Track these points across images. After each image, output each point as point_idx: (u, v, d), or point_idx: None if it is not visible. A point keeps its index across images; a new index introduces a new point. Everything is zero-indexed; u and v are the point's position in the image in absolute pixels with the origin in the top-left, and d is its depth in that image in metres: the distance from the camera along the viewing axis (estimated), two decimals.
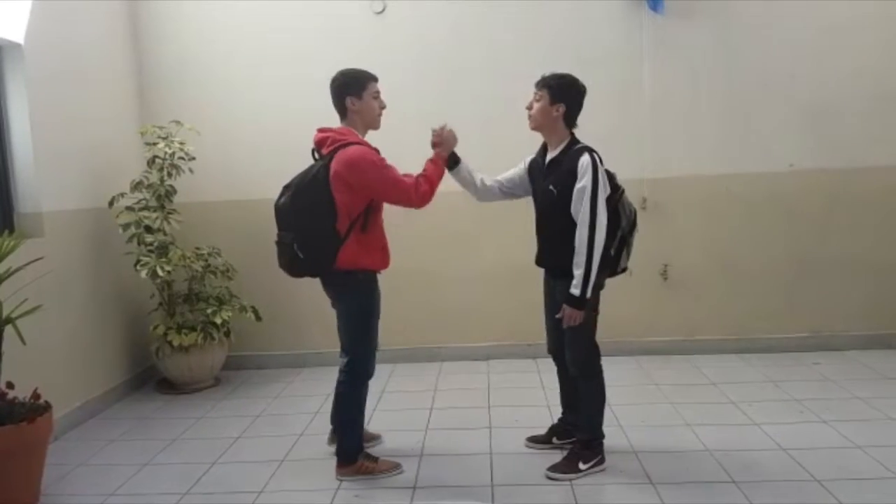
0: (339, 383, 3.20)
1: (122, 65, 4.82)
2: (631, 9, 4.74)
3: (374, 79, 3.12)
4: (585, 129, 4.72)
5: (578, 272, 2.90)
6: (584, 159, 2.91)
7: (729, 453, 3.26)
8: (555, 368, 3.41)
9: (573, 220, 2.92)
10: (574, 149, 3.01)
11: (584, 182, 2.88)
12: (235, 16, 4.90)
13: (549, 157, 3.12)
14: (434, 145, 3.17)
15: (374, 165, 2.95)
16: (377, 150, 3.06)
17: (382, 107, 3.15)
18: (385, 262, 3.19)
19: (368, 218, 3.03)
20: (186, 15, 4.92)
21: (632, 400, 4.05)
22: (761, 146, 4.79)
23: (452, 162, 3.24)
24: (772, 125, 4.77)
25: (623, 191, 3.08)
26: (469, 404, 4.11)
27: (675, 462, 3.21)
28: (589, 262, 2.88)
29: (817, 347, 4.80)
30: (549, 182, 3.04)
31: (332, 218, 2.94)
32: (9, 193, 3.86)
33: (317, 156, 3.10)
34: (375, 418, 3.86)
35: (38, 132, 3.86)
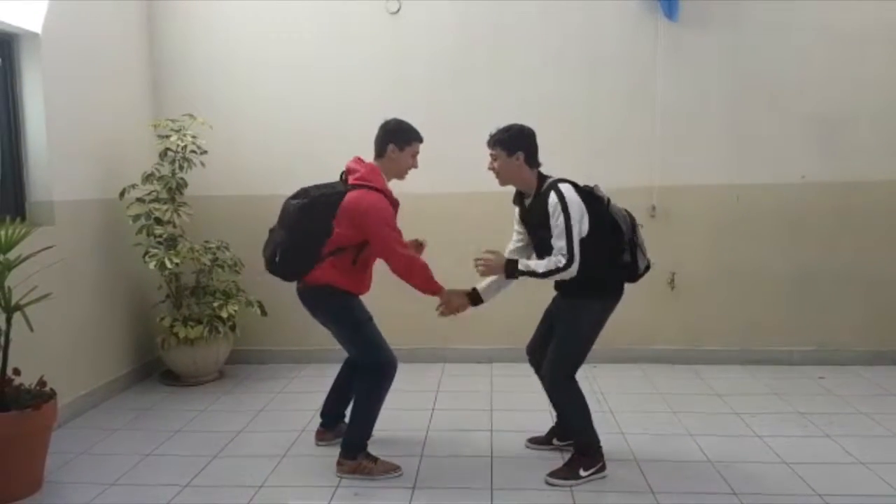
0: (361, 378, 3.26)
1: (137, 57, 4.85)
2: (645, 15, 4.73)
3: (419, 139, 3.28)
4: (597, 132, 4.77)
5: (537, 266, 2.96)
6: (552, 200, 2.97)
7: (731, 465, 3.25)
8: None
9: None
10: (543, 188, 3.07)
11: (556, 221, 2.94)
12: (251, 13, 4.92)
13: (527, 203, 3.18)
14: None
15: (381, 222, 3.07)
16: (396, 204, 3.22)
17: (415, 167, 3.30)
18: (360, 289, 3.27)
19: (360, 254, 3.14)
20: (202, 11, 4.95)
21: (635, 407, 4.04)
22: (771, 156, 4.77)
23: (476, 298, 3.34)
24: (782, 136, 4.75)
25: (609, 199, 3.11)
26: (471, 406, 4.11)
27: (677, 472, 3.21)
28: (547, 274, 2.95)
29: (822, 361, 4.78)
30: (540, 229, 3.07)
31: (322, 241, 3.09)
32: (21, 182, 3.89)
33: (342, 178, 3.23)
34: (380, 419, 3.86)
35: (52, 121, 3.89)
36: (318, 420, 3.64)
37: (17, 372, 3.05)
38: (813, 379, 4.54)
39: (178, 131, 4.53)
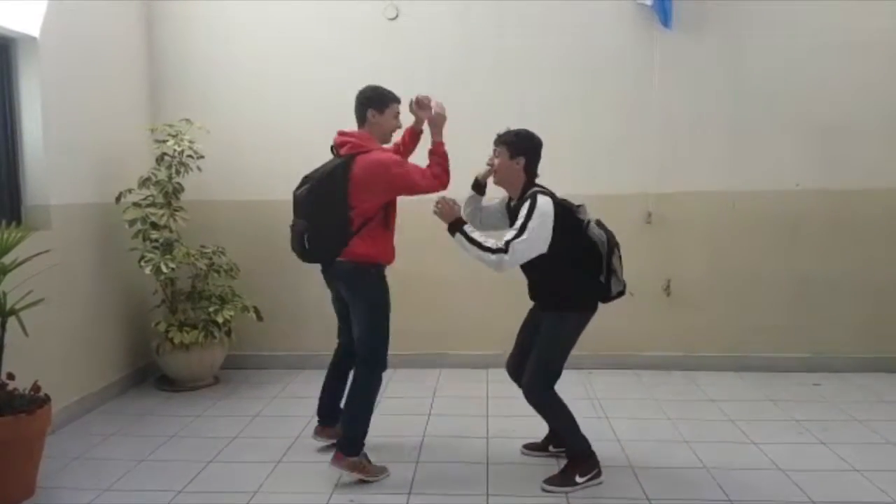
0: (356, 374, 3.27)
1: (135, 62, 4.85)
2: (641, 23, 4.75)
3: (397, 100, 3.32)
4: (593, 139, 4.79)
5: (483, 241, 2.96)
6: (526, 204, 3.00)
7: (726, 471, 3.25)
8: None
9: (549, 262, 3.00)
10: (526, 195, 3.09)
11: (518, 220, 2.97)
12: (249, 18, 4.94)
13: (512, 204, 3.22)
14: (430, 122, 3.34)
15: (392, 168, 3.13)
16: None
17: (398, 126, 3.36)
18: (393, 256, 3.33)
19: (388, 215, 3.22)
20: (200, 15, 4.96)
21: (631, 414, 4.04)
22: (768, 164, 4.79)
23: (480, 188, 3.38)
24: (778, 143, 4.77)
25: (589, 221, 3.10)
26: (467, 412, 4.11)
27: (672, 479, 3.21)
28: (480, 248, 2.95)
29: (818, 368, 4.79)
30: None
31: (345, 213, 3.10)
32: (18, 186, 3.88)
33: (334, 153, 3.26)
34: (373, 423, 3.84)
35: (49, 125, 3.89)
36: (314, 425, 3.63)
37: (11, 377, 3.04)
38: (808, 386, 4.55)
39: (175, 136, 4.53)
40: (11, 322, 3.02)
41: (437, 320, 4.93)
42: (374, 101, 3.25)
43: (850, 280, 4.81)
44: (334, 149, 3.26)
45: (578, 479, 3.11)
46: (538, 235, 2.94)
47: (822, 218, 4.80)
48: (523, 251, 2.94)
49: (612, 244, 3.10)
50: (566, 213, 3.05)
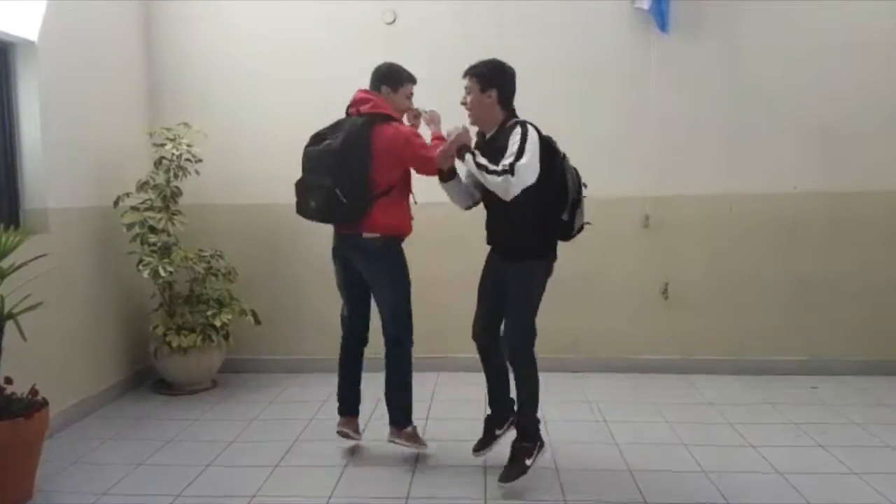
0: (390, 355, 3.35)
1: (134, 66, 4.86)
2: (639, 25, 4.76)
3: (413, 80, 3.40)
4: (591, 142, 4.79)
5: (489, 164, 2.89)
6: (516, 130, 2.92)
7: (724, 475, 3.25)
8: (496, 369, 3.38)
9: (518, 202, 2.91)
10: (508, 124, 3.01)
11: (513, 139, 2.89)
12: (247, 21, 4.94)
13: (487, 136, 3.13)
14: (427, 122, 3.41)
15: (412, 139, 3.20)
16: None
17: (410, 107, 3.40)
18: (412, 227, 3.39)
19: (406, 185, 3.32)
20: (198, 19, 4.97)
21: (628, 417, 4.04)
22: (765, 167, 4.80)
23: (451, 174, 3.25)
24: (776, 146, 4.78)
25: (564, 154, 3.06)
26: (465, 416, 4.11)
27: (670, 482, 3.21)
28: (489, 172, 2.88)
29: (816, 371, 4.79)
30: (492, 159, 2.95)
31: (367, 176, 3.12)
32: (16, 189, 3.88)
33: (351, 111, 3.27)
34: (370, 427, 3.86)
35: (48, 129, 3.89)
36: (312, 429, 3.63)
37: (8, 380, 3.04)
38: (806, 389, 4.55)
39: (173, 140, 4.53)
40: (9, 326, 3.02)
41: (436, 323, 4.93)
42: (389, 78, 3.30)
43: (849, 283, 4.81)
44: (351, 107, 3.27)
45: (528, 462, 3.11)
46: (535, 159, 2.88)
47: (821, 220, 4.81)
48: (525, 173, 2.85)
49: (579, 179, 3.09)
50: (547, 146, 2.99)
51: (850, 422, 3.94)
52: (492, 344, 3.30)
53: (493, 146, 3.02)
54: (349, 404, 3.60)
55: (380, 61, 4.81)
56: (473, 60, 4.81)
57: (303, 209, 3.29)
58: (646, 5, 4.62)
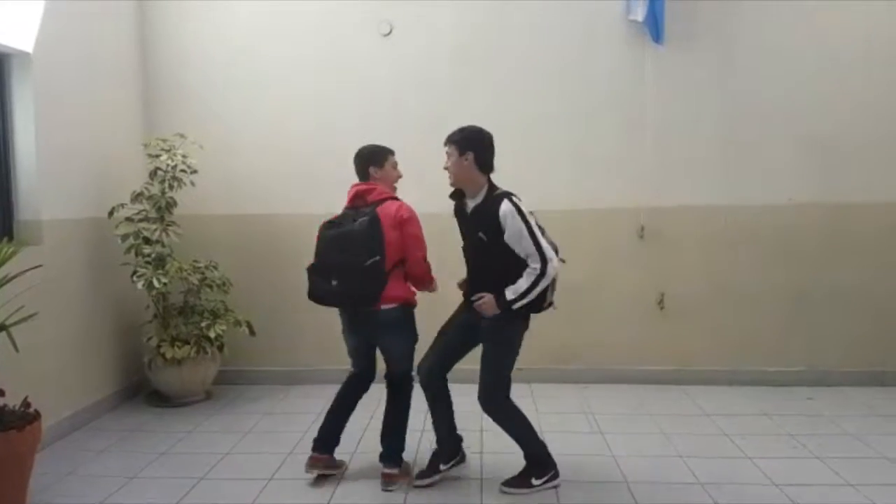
0: (393, 396, 3.42)
1: (129, 77, 4.86)
2: (634, 37, 4.79)
3: (392, 153, 3.45)
4: (587, 155, 4.81)
5: (519, 286, 3.00)
6: (504, 208, 3.02)
7: (721, 486, 3.25)
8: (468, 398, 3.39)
9: (502, 262, 3.04)
10: (493, 196, 3.11)
11: (514, 228, 3.00)
12: (243, 34, 4.96)
13: (472, 205, 3.20)
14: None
15: (418, 227, 3.30)
16: None
17: (400, 175, 3.47)
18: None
19: (404, 260, 3.33)
20: (194, 31, 4.98)
21: (624, 429, 4.03)
22: (761, 178, 4.81)
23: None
24: (772, 157, 4.80)
25: (543, 229, 3.13)
26: (462, 427, 4.08)
27: (666, 494, 3.20)
28: (533, 286, 2.99)
29: (811, 382, 4.79)
30: (480, 230, 3.11)
31: (382, 259, 3.15)
32: (10, 200, 3.87)
33: (351, 205, 3.32)
34: (367, 437, 3.84)
35: (42, 140, 3.89)
36: (307, 441, 3.58)
37: (1, 393, 3.01)
38: (802, 400, 4.55)
39: (168, 151, 4.53)
40: (2, 337, 3.00)
41: (433, 335, 4.91)
42: (373, 159, 3.37)
43: (845, 293, 4.82)
44: (357, 199, 3.30)
45: (535, 482, 3.19)
46: (537, 226, 3.02)
47: (817, 232, 4.82)
48: (546, 246, 2.99)
49: (556, 248, 3.14)
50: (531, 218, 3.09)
51: (845, 433, 3.94)
52: (435, 385, 3.37)
53: (483, 216, 3.10)
54: (324, 440, 3.45)
55: (376, 72, 4.89)
56: (468, 74, 4.92)
57: (319, 290, 3.26)
58: (640, 17, 4.65)
